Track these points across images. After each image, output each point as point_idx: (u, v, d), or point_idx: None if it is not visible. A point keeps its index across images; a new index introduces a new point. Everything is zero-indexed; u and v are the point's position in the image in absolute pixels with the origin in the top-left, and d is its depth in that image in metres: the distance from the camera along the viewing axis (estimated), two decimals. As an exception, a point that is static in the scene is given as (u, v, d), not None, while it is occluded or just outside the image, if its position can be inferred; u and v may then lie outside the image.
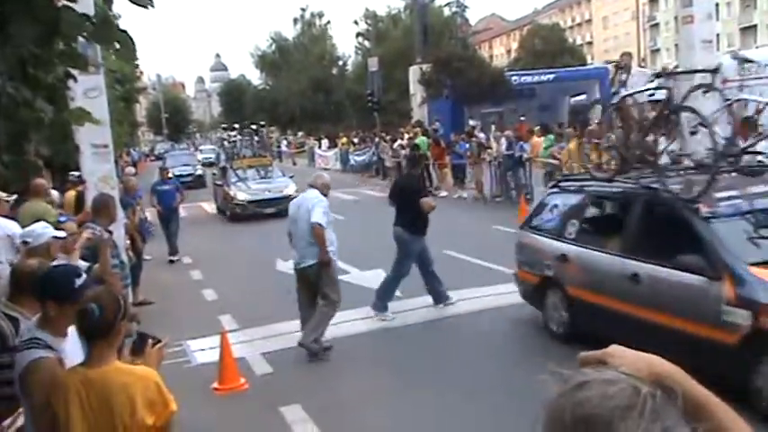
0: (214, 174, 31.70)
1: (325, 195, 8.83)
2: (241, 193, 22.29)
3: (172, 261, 15.69)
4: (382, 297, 10.09)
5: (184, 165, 39.04)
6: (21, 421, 3.81)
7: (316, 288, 8.69)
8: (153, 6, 3.27)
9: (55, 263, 4.94)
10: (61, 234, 6.16)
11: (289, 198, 17.81)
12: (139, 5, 3.23)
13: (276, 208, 20.60)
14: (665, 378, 1.35)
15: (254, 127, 29.24)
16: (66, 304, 3.42)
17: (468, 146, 23.01)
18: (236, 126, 29.89)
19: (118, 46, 3.46)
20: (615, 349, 1.42)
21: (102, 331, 3.21)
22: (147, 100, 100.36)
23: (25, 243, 5.87)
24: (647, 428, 1.19)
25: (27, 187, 9.10)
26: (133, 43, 3.53)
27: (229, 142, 27.99)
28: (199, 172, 39.05)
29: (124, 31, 3.58)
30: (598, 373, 1.29)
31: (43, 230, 5.92)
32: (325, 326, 8.68)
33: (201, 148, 68.18)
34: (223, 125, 33.07)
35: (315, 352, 8.51)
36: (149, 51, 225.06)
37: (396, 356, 8.60)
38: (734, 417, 1.41)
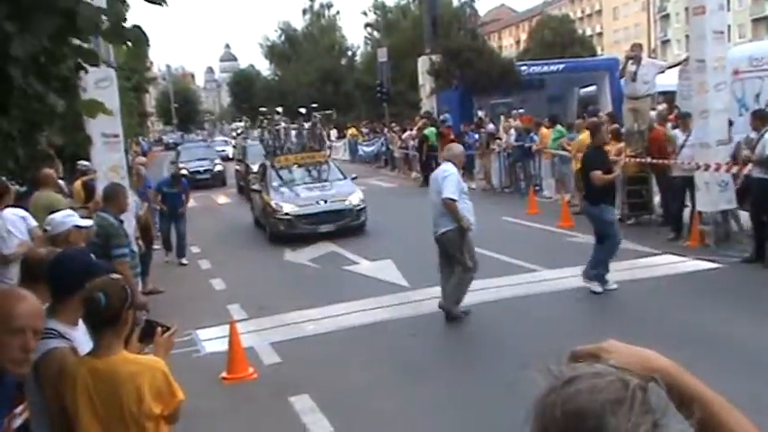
0: (238, 170, 27.88)
1: (456, 166, 9.30)
2: (287, 204, 15.91)
3: (183, 264, 14.50)
4: (599, 267, 9.88)
5: (200, 159, 33.81)
6: (26, 414, 3.83)
7: (450, 255, 9.21)
8: (167, 5, 3.28)
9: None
10: (86, 223, 6.16)
11: (353, 211, 15.86)
12: (154, 3, 3.23)
13: (336, 225, 15.45)
14: (658, 372, 1.34)
15: (301, 111, 21.09)
16: (77, 292, 3.40)
17: (477, 136, 22.95)
18: (273, 113, 21.70)
19: (130, 44, 3.47)
20: (609, 344, 1.42)
21: (108, 320, 3.21)
22: (156, 90, 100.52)
23: (45, 231, 5.89)
24: (637, 422, 1.19)
25: (36, 177, 9.13)
26: (146, 38, 3.53)
27: (270, 131, 19.89)
28: (218, 167, 33.39)
29: (138, 27, 3.59)
30: (588, 367, 1.29)
31: (64, 219, 5.94)
32: (461, 291, 9.22)
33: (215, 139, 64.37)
34: (261, 108, 24.81)
35: (455, 315, 9.08)
36: (159, 42, 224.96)
37: (405, 347, 8.62)
38: (730, 409, 1.41)
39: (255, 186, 18.33)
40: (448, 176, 9.03)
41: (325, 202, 15.99)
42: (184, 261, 14.46)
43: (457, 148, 10.14)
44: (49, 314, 3.59)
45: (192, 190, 22.94)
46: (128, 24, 3.52)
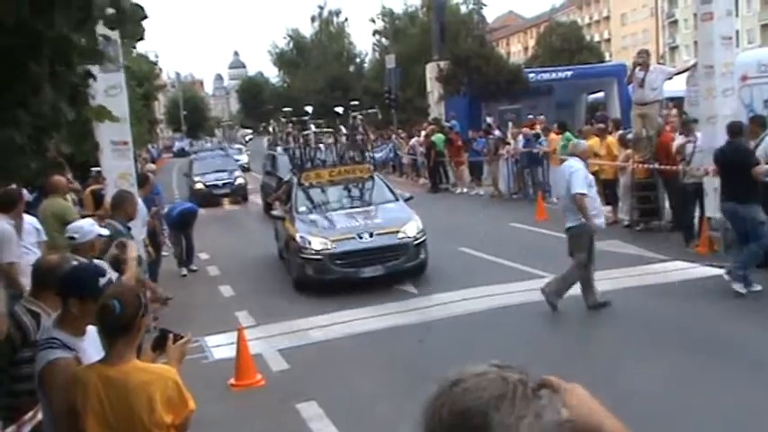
0: (268, 184, 22.68)
1: (583, 161, 9.48)
2: (317, 238, 11.63)
3: (193, 270, 14.31)
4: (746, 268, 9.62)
5: (218, 171, 28.02)
6: (40, 416, 3.86)
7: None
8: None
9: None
10: (105, 232, 6.23)
11: (410, 246, 11.62)
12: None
13: (385, 267, 11.43)
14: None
15: (338, 110, 16.65)
16: (89, 303, 3.42)
17: (485, 142, 22.97)
18: (298, 117, 17.14)
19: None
20: (575, 388, 1.47)
21: (122, 328, 3.22)
22: (165, 97, 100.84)
23: (71, 239, 5.93)
24: (520, 414, 1.26)
25: (46, 185, 9.17)
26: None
27: (296, 138, 15.42)
28: (239, 180, 27.97)
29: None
30: (471, 368, 1.35)
31: (91, 228, 6.01)
32: (566, 284, 9.35)
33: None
34: (285, 109, 20.10)
35: (551, 302, 9.27)
36: (169, 49, 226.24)
37: (412, 354, 8.61)
38: None
39: (277, 212, 13.90)
40: (575, 172, 9.19)
41: (371, 235, 11.61)
42: (193, 267, 14.44)
43: (582, 143, 10.42)
44: (56, 324, 3.60)
45: (205, 207, 22.42)
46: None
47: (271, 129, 23.79)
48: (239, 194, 27.42)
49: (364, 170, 13.68)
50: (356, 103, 16.80)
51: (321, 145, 14.92)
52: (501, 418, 1.26)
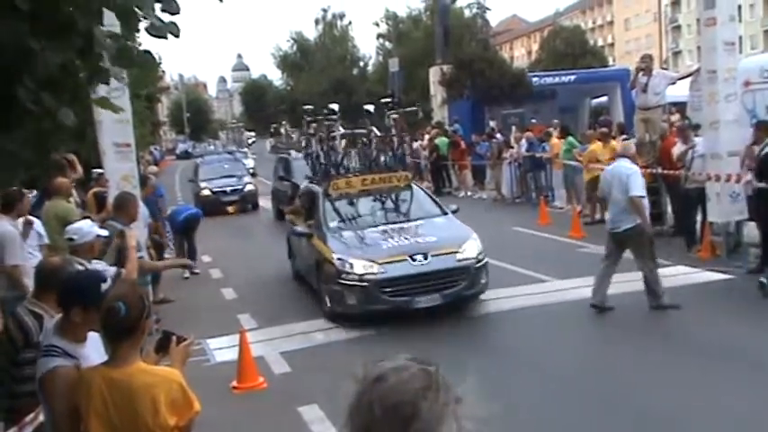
0: (279, 190, 21.64)
1: (634, 162, 9.57)
2: (360, 261, 9.74)
3: (195, 273, 14.17)
4: None
5: (226, 176, 25.84)
6: (42, 417, 3.86)
7: (623, 250, 9.45)
8: (177, 36, 3.33)
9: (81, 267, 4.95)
10: (105, 233, 6.23)
11: (470, 270, 9.75)
12: (159, 38, 3.29)
13: (443, 296, 9.53)
14: None
15: (369, 108, 13.71)
16: (92, 310, 3.41)
17: (488, 146, 22.98)
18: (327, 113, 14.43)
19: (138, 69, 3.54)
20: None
21: (127, 330, 3.22)
22: (169, 99, 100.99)
23: (70, 240, 5.93)
24: (445, 401, 1.40)
25: (49, 186, 9.19)
26: (155, 62, 3.58)
27: (322, 140, 13.43)
28: (249, 186, 25.76)
29: (147, 52, 3.63)
30: (388, 362, 1.46)
31: (90, 229, 6.00)
32: (655, 282, 9.28)
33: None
34: (307, 107, 16.70)
35: (664, 306, 9.21)
36: (172, 51, 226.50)
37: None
38: None
39: (299, 227, 11.64)
40: (632, 174, 9.22)
41: (426, 256, 9.70)
42: (195, 270, 14.37)
43: (632, 145, 10.47)
44: (56, 331, 3.59)
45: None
46: (138, 47, 3.59)
47: (282, 131, 22.98)
48: (249, 202, 25.39)
49: (401, 178, 11.63)
50: (389, 100, 14.12)
51: (350, 148, 13.22)
52: (429, 405, 1.38)
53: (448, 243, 10.00)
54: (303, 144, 14.29)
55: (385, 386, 1.40)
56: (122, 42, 3.42)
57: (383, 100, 13.49)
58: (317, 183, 12.37)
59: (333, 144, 12.77)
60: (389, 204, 11.29)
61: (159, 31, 3.30)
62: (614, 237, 9.43)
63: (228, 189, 25.08)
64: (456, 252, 9.82)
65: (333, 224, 10.77)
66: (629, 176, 9.16)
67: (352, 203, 11.20)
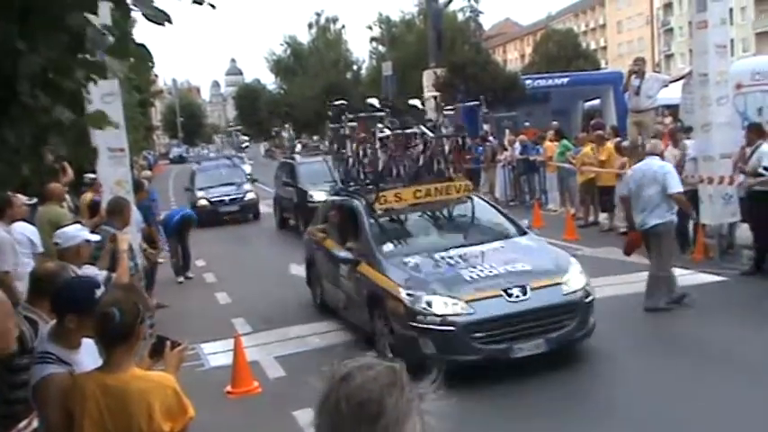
0: (282, 197, 20.74)
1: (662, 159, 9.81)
2: (441, 299, 7.52)
3: (189, 277, 14.36)
4: None
5: (225, 184, 24.07)
6: (36, 423, 3.86)
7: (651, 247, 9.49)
8: (171, 23, 3.31)
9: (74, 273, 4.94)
10: (94, 238, 6.19)
11: (580, 305, 7.73)
12: (156, 23, 3.27)
13: (547, 340, 7.49)
14: None
15: (416, 103, 11.38)
16: (86, 317, 3.39)
17: (482, 149, 23.01)
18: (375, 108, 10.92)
19: (133, 60, 3.53)
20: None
21: (122, 336, 3.22)
22: (162, 104, 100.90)
23: (56, 244, 5.91)
24: (409, 397, 1.45)
25: (43, 191, 9.18)
26: (150, 56, 3.58)
27: (365, 142, 10.53)
28: (250, 195, 23.93)
29: (142, 45, 3.63)
30: (354, 361, 1.50)
31: (76, 233, 5.96)
32: (659, 288, 9.34)
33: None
34: (338, 101, 12.10)
35: (675, 302, 9.35)
36: (165, 56, 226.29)
37: (407, 361, 8.56)
38: None
39: (340, 252, 9.39)
40: (669, 172, 9.37)
41: (524, 291, 7.61)
42: (189, 275, 14.42)
43: (659, 144, 10.73)
44: (50, 338, 3.58)
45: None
46: (134, 39, 3.58)
47: (285, 134, 21.71)
48: (249, 211, 23.69)
49: (461, 188, 9.59)
50: (437, 94, 11.29)
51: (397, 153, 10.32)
52: (394, 402, 1.43)
53: (547, 272, 7.98)
54: (335, 147, 11.80)
55: (351, 384, 1.44)
56: (118, 33, 3.41)
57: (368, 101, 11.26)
58: (353, 195, 10.07)
59: (376, 147, 9.99)
60: (453, 221, 9.46)
61: (156, 17, 3.28)
62: (644, 234, 9.59)
63: (227, 198, 23.31)
64: (560, 284, 7.82)
65: (387, 248, 8.79)
66: (666, 175, 9.32)
67: (403, 221, 9.36)
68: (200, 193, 23.65)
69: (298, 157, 20.92)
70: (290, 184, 19.81)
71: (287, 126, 29.20)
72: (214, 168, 26.67)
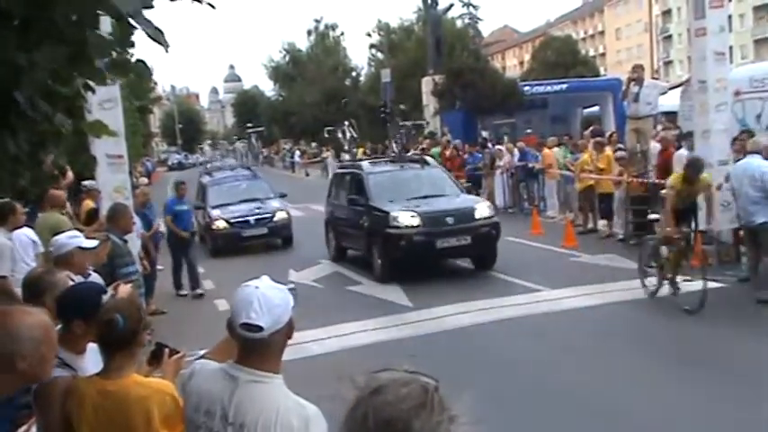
0: (338, 218, 15.48)
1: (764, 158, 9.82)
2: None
3: (200, 294, 13.38)
4: None
5: (245, 201, 18.79)
6: (35, 430, 3.85)
7: (759, 243, 9.71)
8: (168, 47, 3.30)
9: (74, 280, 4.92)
10: (90, 244, 6.13)
11: None
12: (158, 43, 3.27)
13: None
14: None
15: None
16: (93, 322, 3.38)
17: (480, 156, 23.03)
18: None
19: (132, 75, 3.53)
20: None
21: (125, 342, 3.22)
22: (161, 110, 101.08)
23: (50, 251, 5.90)
24: (438, 420, 1.41)
25: (43, 198, 9.17)
26: (150, 72, 3.58)
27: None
28: (280, 215, 18.29)
29: (141, 61, 3.64)
30: (389, 374, 1.47)
31: (67, 240, 5.92)
32: None
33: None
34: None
35: None
36: (164, 62, 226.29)
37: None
38: None
39: None
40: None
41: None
42: (200, 291, 13.50)
43: (762, 140, 10.64)
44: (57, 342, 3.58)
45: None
46: (133, 52, 3.59)
47: (343, 134, 16.69)
48: (279, 235, 18.41)
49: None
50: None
51: None
52: (421, 425, 1.40)
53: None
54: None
55: (381, 399, 1.42)
56: (118, 50, 3.42)
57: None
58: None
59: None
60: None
61: (157, 37, 3.29)
62: (749, 230, 9.83)
63: (252, 219, 17.96)
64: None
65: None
66: (764, 174, 9.49)
67: None
68: (215, 213, 18.26)
69: (365, 164, 15.79)
70: (357, 203, 14.34)
71: (349, 121, 27.10)
72: (232, 180, 20.74)
